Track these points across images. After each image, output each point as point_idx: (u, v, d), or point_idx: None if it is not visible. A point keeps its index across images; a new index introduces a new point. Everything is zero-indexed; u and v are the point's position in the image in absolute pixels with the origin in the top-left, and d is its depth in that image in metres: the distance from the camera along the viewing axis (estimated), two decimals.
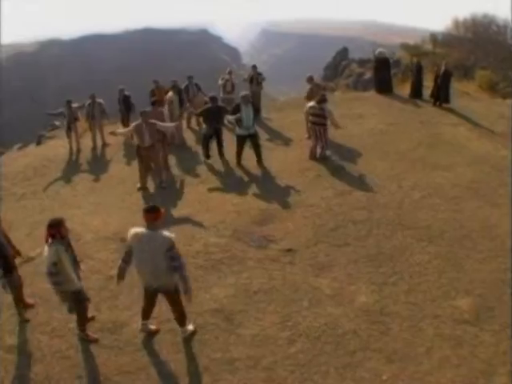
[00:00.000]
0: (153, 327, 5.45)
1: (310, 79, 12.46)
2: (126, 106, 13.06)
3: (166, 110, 11.50)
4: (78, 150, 12.52)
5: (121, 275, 5.16)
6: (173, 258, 4.73)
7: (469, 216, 7.62)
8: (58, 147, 13.34)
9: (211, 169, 10.34)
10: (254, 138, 10.04)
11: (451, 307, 5.59)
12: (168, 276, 4.85)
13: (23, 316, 5.84)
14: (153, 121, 9.34)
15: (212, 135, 10.42)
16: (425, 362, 4.88)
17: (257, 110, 10.32)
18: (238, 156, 10.22)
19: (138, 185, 9.68)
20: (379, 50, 15.93)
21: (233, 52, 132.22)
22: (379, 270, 6.43)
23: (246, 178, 9.70)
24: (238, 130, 9.93)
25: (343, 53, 39.12)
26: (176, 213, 8.46)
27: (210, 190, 9.26)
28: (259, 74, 13.72)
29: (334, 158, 10.20)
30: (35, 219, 8.82)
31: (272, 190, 9.02)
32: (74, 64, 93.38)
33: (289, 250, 6.96)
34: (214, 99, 10.40)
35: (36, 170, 11.63)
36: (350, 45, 39.56)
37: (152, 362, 5.01)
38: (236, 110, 9.79)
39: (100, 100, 12.68)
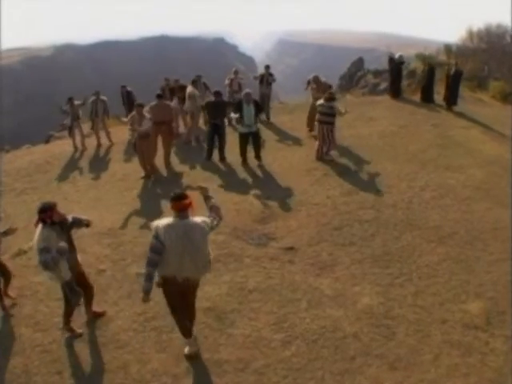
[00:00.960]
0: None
1: (316, 79, 11.96)
2: (129, 101, 12.94)
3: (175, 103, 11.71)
4: (83, 148, 12.33)
5: (150, 287, 4.38)
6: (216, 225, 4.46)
7: (480, 217, 7.21)
8: (63, 145, 13.23)
9: (215, 167, 10.05)
10: (255, 136, 9.73)
11: (461, 311, 5.16)
12: (208, 266, 4.43)
13: (6, 310, 5.61)
14: (146, 113, 9.30)
15: (214, 134, 10.13)
16: (431, 370, 4.44)
17: (259, 109, 9.90)
18: (243, 155, 9.96)
19: (142, 174, 9.76)
20: (399, 53, 15.48)
21: (248, 61, 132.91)
22: (385, 270, 6.02)
23: (250, 177, 9.37)
24: (240, 128, 9.71)
25: (358, 63, 38.75)
26: None
27: (213, 188, 8.94)
28: (270, 75, 13.42)
29: (342, 158, 9.84)
30: (33, 213, 8.58)
31: (276, 188, 8.68)
32: (89, 69, 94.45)
33: (290, 249, 6.59)
34: (218, 93, 10.16)
35: (39, 166, 11.48)
36: (366, 56, 39.11)
37: (133, 361, 4.67)
38: (238, 106, 9.53)
39: (104, 97, 12.53)
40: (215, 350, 4.74)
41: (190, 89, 11.75)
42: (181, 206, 4.25)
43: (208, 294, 5.57)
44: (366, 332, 4.90)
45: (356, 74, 36.35)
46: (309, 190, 8.48)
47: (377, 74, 32.72)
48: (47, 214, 4.62)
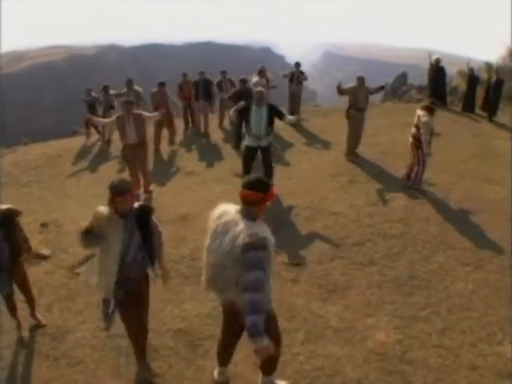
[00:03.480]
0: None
1: (362, 79, 10.18)
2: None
3: None
4: (109, 141, 11.74)
5: None
6: (247, 267, 2.83)
7: None
8: (80, 140, 12.72)
9: (231, 168, 9.16)
10: (265, 154, 7.37)
11: (495, 354, 3.98)
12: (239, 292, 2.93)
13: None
14: (139, 111, 7.69)
15: (242, 120, 9.23)
16: None
17: (278, 115, 7.33)
18: (246, 174, 7.11)
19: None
20: (437, 56, 14.25)
21: None
22: (409, 299, 4.89)
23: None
24: (246, 139, 7.37)
25: (402, 78, 37.45)
26: (176, 211, 7.31)
27: (224, 190, 8.05)
28: (301, 73, 12.49)
29: (372, 164, 8.74)
30: (29, 207, 8.10)
31: (293, 194, 7.66)
32: (132, 71, 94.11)
33: (295, 265, 5.57)
34: (244, 81, 9.51)
35: (50, 159, 11.03)
36: (410, 72, 37.80)
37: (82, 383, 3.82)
38: (244, 109, 7.29)
39: (138, 88, 11.28)
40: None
41: (255, 78, 11.19)
42: (245, 196, 2.98)
43: (185, 312, 4.66)
44: (373, 379, 3.79)
45: (400, 89, 34.98)
46: (330, 197, 7.43)
47: (420, 89, 31.36)
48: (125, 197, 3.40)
